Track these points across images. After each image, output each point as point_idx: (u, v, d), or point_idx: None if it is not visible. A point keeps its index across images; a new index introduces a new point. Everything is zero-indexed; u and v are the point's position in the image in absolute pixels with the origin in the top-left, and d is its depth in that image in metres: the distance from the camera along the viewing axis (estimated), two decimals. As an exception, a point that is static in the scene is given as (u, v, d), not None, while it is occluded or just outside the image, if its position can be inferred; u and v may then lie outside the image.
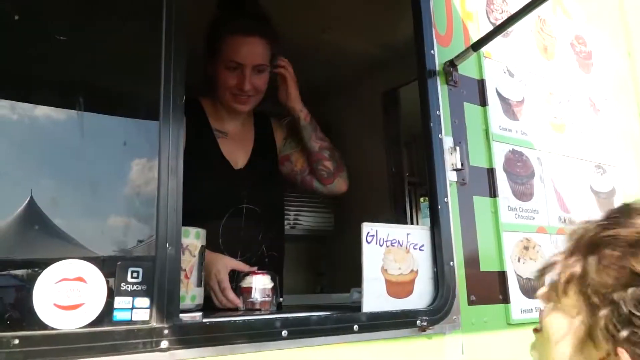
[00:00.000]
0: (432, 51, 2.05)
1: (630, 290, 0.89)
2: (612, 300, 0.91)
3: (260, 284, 1.80)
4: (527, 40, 2.54)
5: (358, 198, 3.32)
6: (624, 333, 0.89)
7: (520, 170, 2.26)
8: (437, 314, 1.79)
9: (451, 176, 1.97)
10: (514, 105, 2.34)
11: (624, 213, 1.00)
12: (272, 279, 1.83)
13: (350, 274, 1.84)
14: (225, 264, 1.94)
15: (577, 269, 0.99)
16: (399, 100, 3.23)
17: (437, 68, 2.05)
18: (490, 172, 2.14)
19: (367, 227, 1.73)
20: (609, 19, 3.17)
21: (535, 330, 1.11)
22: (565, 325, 1.01)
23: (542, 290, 1.09)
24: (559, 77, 2.64)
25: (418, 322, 1.73)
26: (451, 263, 1.86)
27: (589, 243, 1.00)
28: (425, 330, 1.74)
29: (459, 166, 1.99)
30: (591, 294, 0.95)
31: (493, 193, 2.12)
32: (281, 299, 1.95)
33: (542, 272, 1.09)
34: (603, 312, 0.92)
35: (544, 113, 2.49)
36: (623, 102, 3.03)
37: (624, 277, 0.91)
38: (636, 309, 0.88)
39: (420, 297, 1.82)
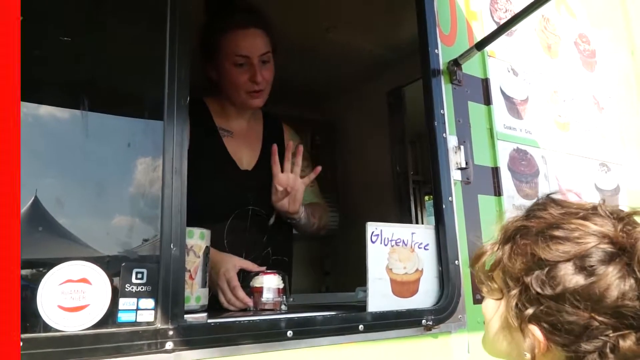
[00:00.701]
0: (436, 50, 2.05)
1: (536, 273, 1.00)
2: (522, 283, 1.02)
3: (272, 283, 1.79)
4: (531, 39, 2.54)
5: (363, 197, 3.33)
6: (530, 310, 1.00)
7: (525, 169, 2.25)
8: (443, 313, 1.79)
9: (456, 175, 1.97)
10: (518, 104, 2.33)
11: (541, 206, 1.11)
12: (283, 279, 1.83)
13: (355, 273, 1.85)
14: (234, 263, 1.92)
15: (498, 256, 1.11)
16: (404, 99, 3.22)
17: (441, 67, 2.04)
18: (495, 170, 2.13)
19: (372, 227, 1.72)
20: (613, 17, 3.17)
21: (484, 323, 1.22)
22: (494, 307, 1.14)
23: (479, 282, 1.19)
24: (563, 76, 2.64)
25: (423, 321, 1.73)
26: (456, 262, 1.86)
27: (508, 233, 1.11)
28: (430, 330, 1.74)
29: (464, 165, 1.98)
30: (507, 278, 1.07)
31: (498, 192, 2.11)
32: (291, 299, 1.94)
33: (475, 260, 1.18)
34: (513, 292, 1.04)
35: (548, 111, 2.48)
36: (627, 100, 3.02)
37: (530, 262, 1.02)
38: (541, 289, 0.98)
39: (425, 296, 1.81)
